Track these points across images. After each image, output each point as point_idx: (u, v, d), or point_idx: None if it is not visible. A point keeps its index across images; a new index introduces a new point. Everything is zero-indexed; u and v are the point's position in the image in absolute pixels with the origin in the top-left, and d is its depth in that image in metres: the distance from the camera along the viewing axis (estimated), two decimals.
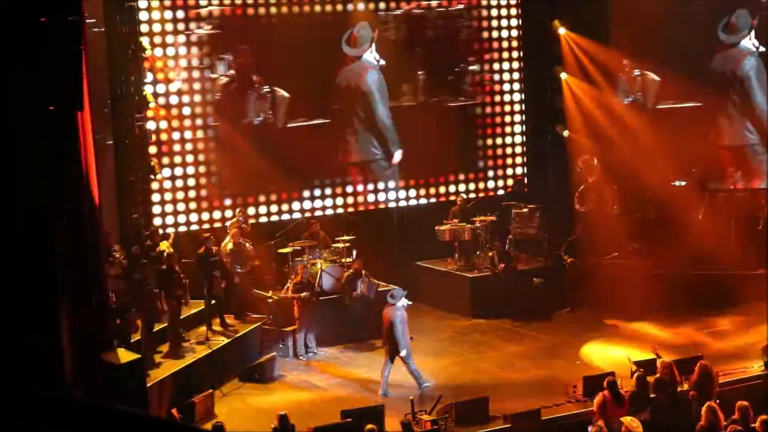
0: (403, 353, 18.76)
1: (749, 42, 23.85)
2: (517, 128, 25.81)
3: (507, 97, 25.65)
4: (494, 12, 25.33)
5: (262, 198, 23.35)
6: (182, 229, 22.37)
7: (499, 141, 25.72)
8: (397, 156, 24.03)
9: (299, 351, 20.85)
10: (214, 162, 22.71)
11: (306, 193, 23.73)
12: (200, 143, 22.58)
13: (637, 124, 24.69)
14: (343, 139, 23.76)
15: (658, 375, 16.68)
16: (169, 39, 21.94)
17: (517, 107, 25.75)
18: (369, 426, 14.93)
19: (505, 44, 25.49)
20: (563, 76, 25.11)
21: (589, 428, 15.25)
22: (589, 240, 23.19)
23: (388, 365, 18.88)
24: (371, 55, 23.38)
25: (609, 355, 20.35)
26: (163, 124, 22.10)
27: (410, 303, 19.23)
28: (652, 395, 16.58)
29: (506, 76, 25.60)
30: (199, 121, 22.57)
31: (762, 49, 23.95)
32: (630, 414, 15.50)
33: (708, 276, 23.34)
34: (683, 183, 23.88)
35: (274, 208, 23.50)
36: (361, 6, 23.64)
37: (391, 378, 18.91)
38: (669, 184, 24.32)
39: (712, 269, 23.52)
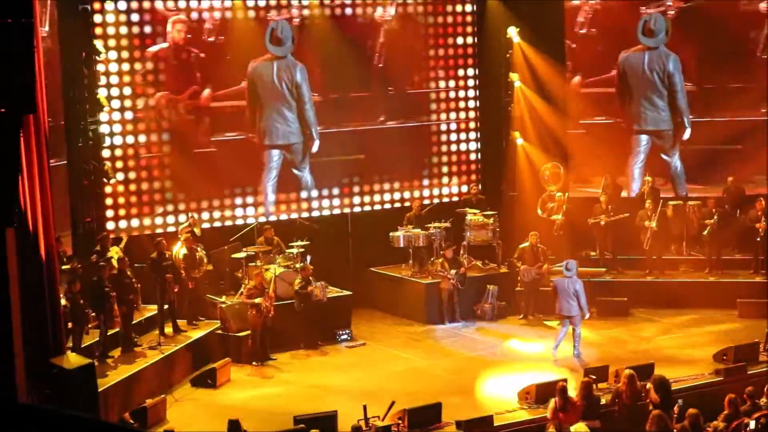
0: (587, 316, 20.72)
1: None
2: (472, 135, 25.88)
3: (462, 104, 25.73)
4: (450, 19, 25.43)
5: (216, 203, 23.32)
6: (135, 233, 22.30)
7: (453, 147, 25.78)
8: (316, 146, 24.20)
9: (253, 357, 20.77)
10: (167, 166, 22.71)
11: (268, 207, 23.79)
12: (154, 147, 22.55)
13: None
14: (269, 124, 23.98)
15: (620, 385, 16.69)
16: (124, 42, 21.89)
17: (472, 114, 25.82)
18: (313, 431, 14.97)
19: (460, 51, 25.57)
20: (517, 83, 25.19)
21: None
22: (543, 247, 23.28)
23: (564, 329, 20.55)
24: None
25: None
26: (117, 128, 22.03)
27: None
28: (604, 402, 16.68)
29: (461, 83, 25.68)
30: (152, 124, 22.55)
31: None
32: (581, 421, 15.57)
33: (656, 283, 23.71)
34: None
35: (228, 213, 23.46)
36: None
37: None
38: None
39: (662, 276, 23.84)
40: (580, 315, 20.45)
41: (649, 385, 16.45)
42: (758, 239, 23.21)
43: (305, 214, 24.32)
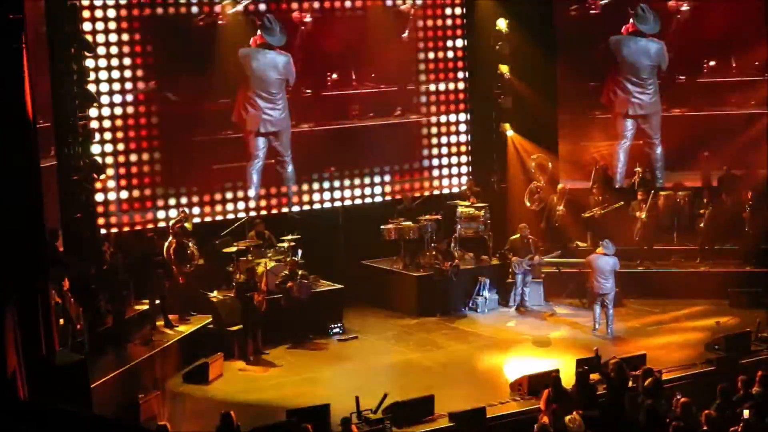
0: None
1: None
2: (463, 127, 25.85)
3: (452, 96, 25.69)
4: (438, 11, 25.42)
5: (206, 197, 23.27)
6: (126, 228, 22.25)
7: (444, 140, 25.73)
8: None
9: (245, 351, 20.75)
10: (158, 161, 22.65)
11: (251, 192, 23.73)
12: (144, 142, 22.49)
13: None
14: (259, 112, 23.85)
15: (611, 374, 16.71)
16: (113, 37, 21.83)
17: (462, 105, 25.80)
18: (304, 425, 14.96)
19: (450, 43, 25.53)
20: (507, 74, 25.15)
21: (536, 426, 15.30)
22: (534, 238, 23.30)
23: (598, 307, 21.31)
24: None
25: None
26: (107, 123, 21.96)
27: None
28: (600, 392, 16.70)
29: (451, 75, 25.65)
30: (143, 120, 22.50)
31: None
32: (577, 410, 15.58)
33: (647, 273, 23.73)
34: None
35: (218, 208, 23.41)
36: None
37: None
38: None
39: (653, 266, 23.86)
40: (614, 293, 21.13)
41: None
42: (746, 229, 23.32)
43: (296, 208, 24.26)
